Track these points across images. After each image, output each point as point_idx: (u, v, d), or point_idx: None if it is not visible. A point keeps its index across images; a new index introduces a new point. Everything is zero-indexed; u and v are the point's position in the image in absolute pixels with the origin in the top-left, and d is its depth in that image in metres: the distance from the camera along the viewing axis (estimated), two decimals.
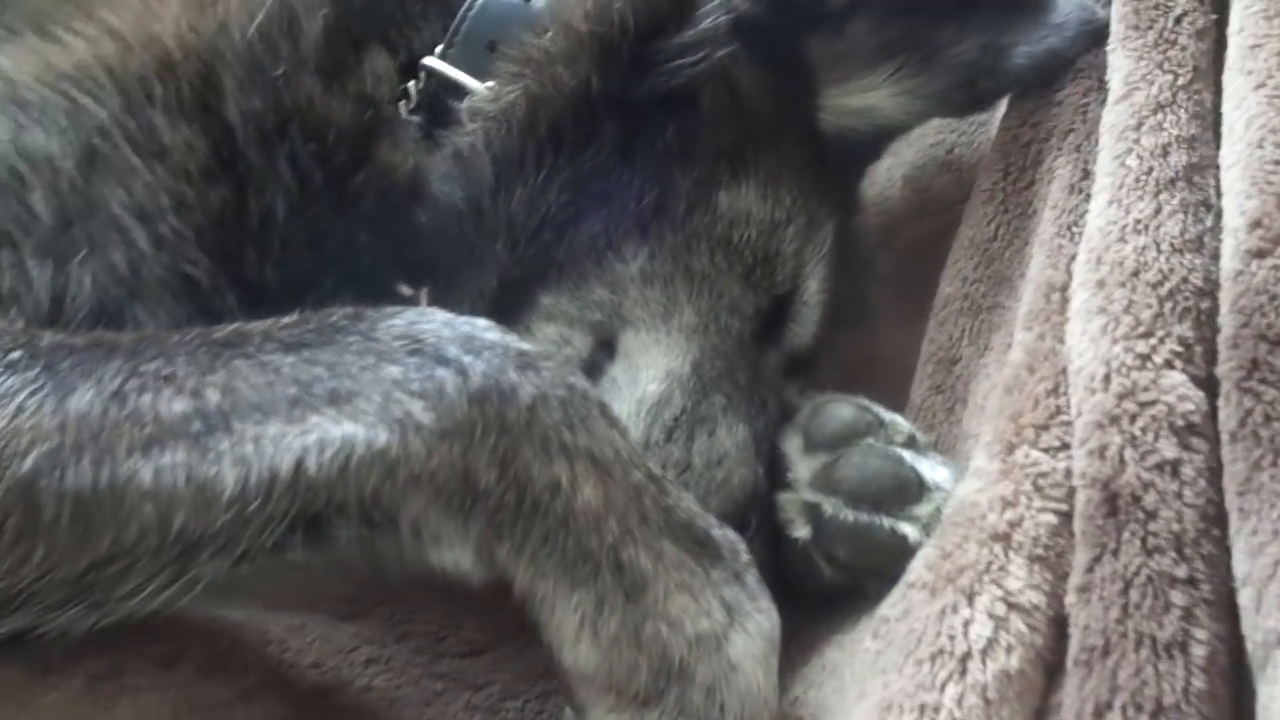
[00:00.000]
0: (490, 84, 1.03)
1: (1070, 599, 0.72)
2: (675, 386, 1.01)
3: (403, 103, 1.04)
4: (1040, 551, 0.75)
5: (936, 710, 0.71)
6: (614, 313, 1.02)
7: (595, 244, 1.02)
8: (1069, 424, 0.80)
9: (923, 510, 0.91)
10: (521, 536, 0.76)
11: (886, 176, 1.39)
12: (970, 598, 0.75)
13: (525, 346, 0.81)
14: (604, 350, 1.04)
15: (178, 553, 0.74)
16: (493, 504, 0.76)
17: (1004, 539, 0.77)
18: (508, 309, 1.00)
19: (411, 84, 1.04)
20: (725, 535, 0.84)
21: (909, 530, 0.90)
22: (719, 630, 0.77)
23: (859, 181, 1.34)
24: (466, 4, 1.07)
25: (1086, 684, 0.68)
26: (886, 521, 0.91)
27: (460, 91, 1.04)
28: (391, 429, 0.74)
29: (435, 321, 0.81)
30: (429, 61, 1.05)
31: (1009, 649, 0.72)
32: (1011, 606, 0.73)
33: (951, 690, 0.71)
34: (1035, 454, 0.80)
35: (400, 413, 0.74)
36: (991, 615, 0.73)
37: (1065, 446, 0.79)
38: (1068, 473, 0.78)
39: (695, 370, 1.02)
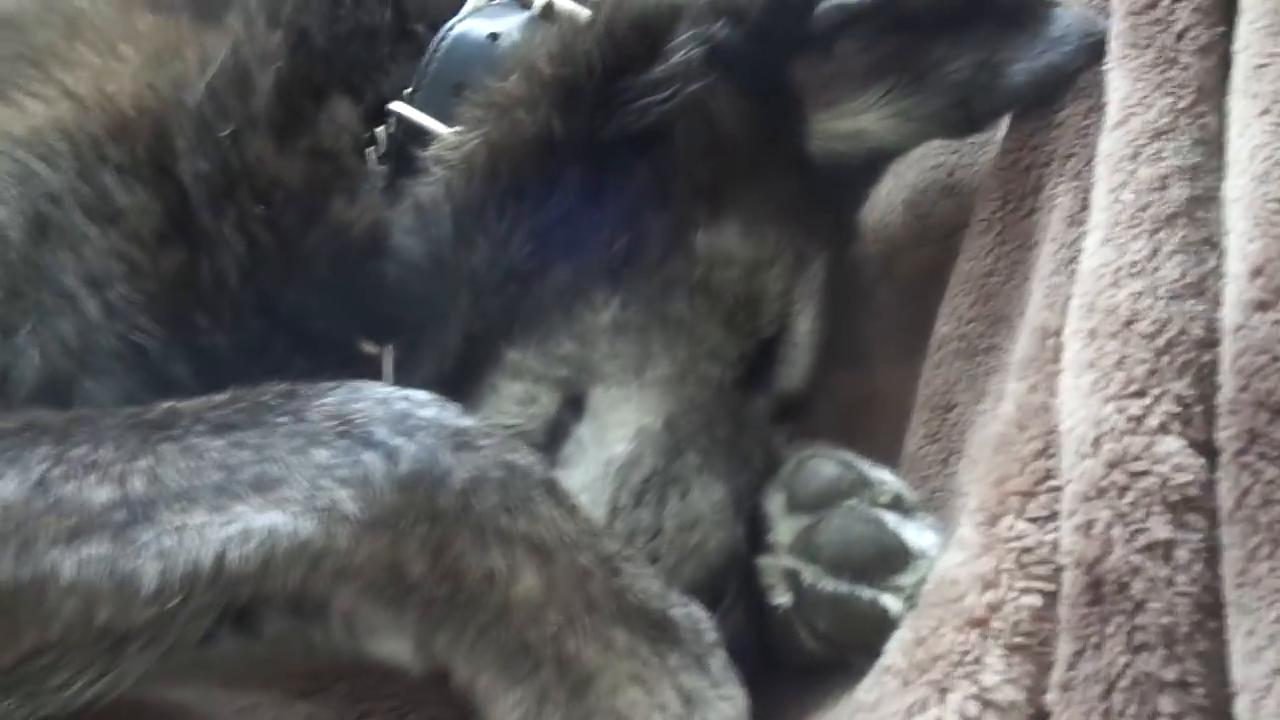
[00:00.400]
0: (457, 129, 1.00)
1: (1051, 697, 0.66)
2: (646, 445, 0.97)
3: (371, 149, 1.02)
4: (1020, 639, 0.69)
5: None
6: (582, 367, 0.98)
7: (563, 295, 0.98)
8: (1059, 490, 0.74)
9: (907, 580, 0.85)
10: (458, 629, 0.74)
11: (887, 201, 1.31)
12: (942, 693, 0.69)
13: (464, 423, 0.78)
14: (571, 409, 1.00)
15: (106, 646, 0.72)
16: (426, 595, 0.73)
17: (981, 624, 0.71)
18: (473, 365, 0.98)
19: (380, 129, 1.02)
20: (688, 614, 0.80)
21: (890, 602, 0.85)
22: None
23: (855, 209, 1.28)
24: (434, 45, 1.04)
25: None
26: (867, 593, 0.86)
27: (427, 138, 1.01)
28: (317, 519, 0.72)
29: (369, 400, 0.78)
30: (396, 106, 1.02)
31: None
32: (986, 705, 0.67)
33: None
34: (1020, 525, 0.74)
35: (326, 501, 0.72)
36: (963, 715, 0.67)
37: (1054, 516, 0.73)
38: (1055, 547, 0.71)
39: (669, 427, 0.97)
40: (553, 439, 0.99)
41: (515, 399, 0.98)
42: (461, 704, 0.78)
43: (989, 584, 0.72)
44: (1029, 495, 0.75)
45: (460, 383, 0.95)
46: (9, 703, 0.72)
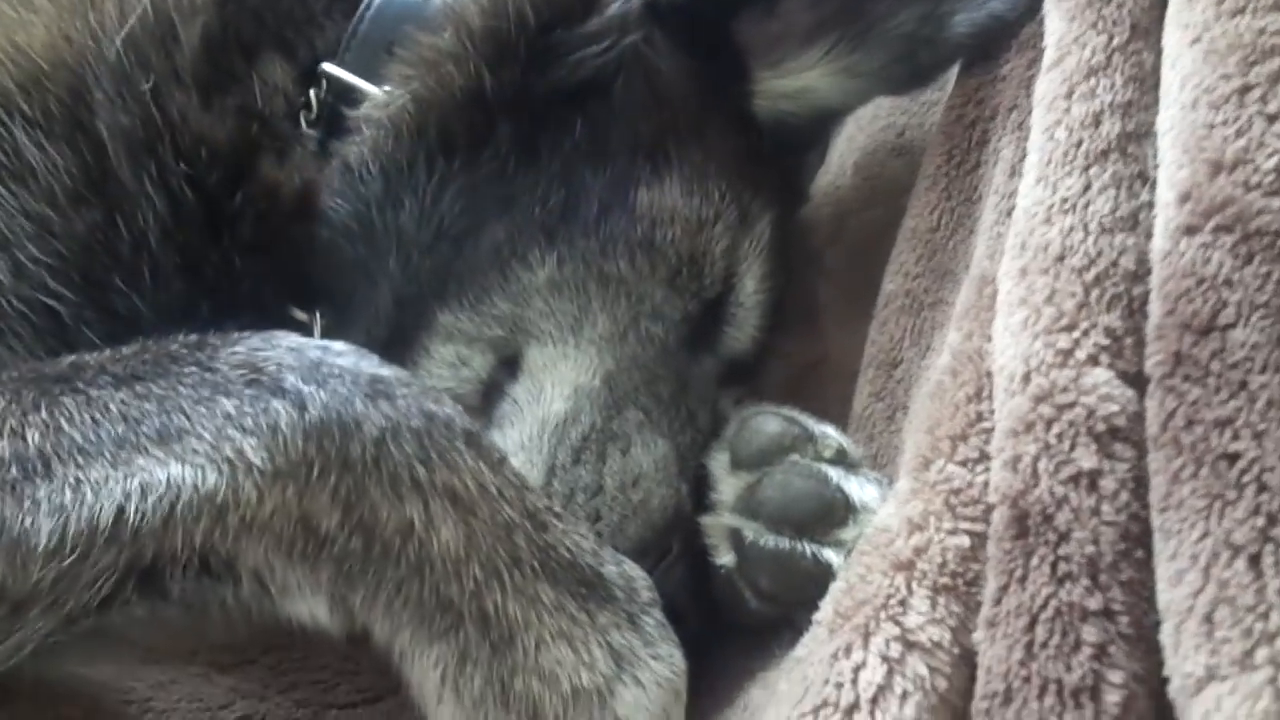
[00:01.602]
0: (386, 88, 0.98)
1: (978, 635, 0.65)
2: (585, 402, 0.95)
3: (303, 113, 1.00)
4: (946, 580, 0.69)
5: None
6: (517, 327, 0.97)
7: (498, 254, 0.96)
8: (989, 431, 0.74)
9: (849, 534, 0.84)
10: (374, 586, 0.71)
11: (839, 164, 1.31)
12: (866, 638, 0.68)
13: (382, 371, 0.76)
14: (506, 369, 0.98)
15: (4, 611, 0.70)
16: (339, 550, 0.71)
17: (908, 567, 0.70)
18: (406, 330, 0.97)
19: (312, 93, 1.00)
20: (623, 572, 0.78)
21: (832, 557, 0.84)
22: (602, 683, 0.72)
23: (803, 171, 1.28)
24: (365, 3, 1.02)
25: None
26: (809, 548, 0.85)
27: (357, 99, 0.99)
28: (220, 470, 0.70)
29: (280, 348, 0.76)
30: (327, 67, 1.01)
31: (903, 696, 0.65)
32: (909, 645, 0.67)
33: None
34: (950, 468, 0.74)
35: (231, 452, 0.70)
36: (885, 657, 0.67)
37: (985, 458, 0.73)
38: (984, 487, 0.71)
39: (607, 384, 0.96)
40: (487, 402, 0.97)
41: (447, 362, 0.97)
42: (395, 674, 0.77)
43: (916, 526, 0.72)
44: (959, 439, 0.75)
45: (393, 349, 0.92)
46: None
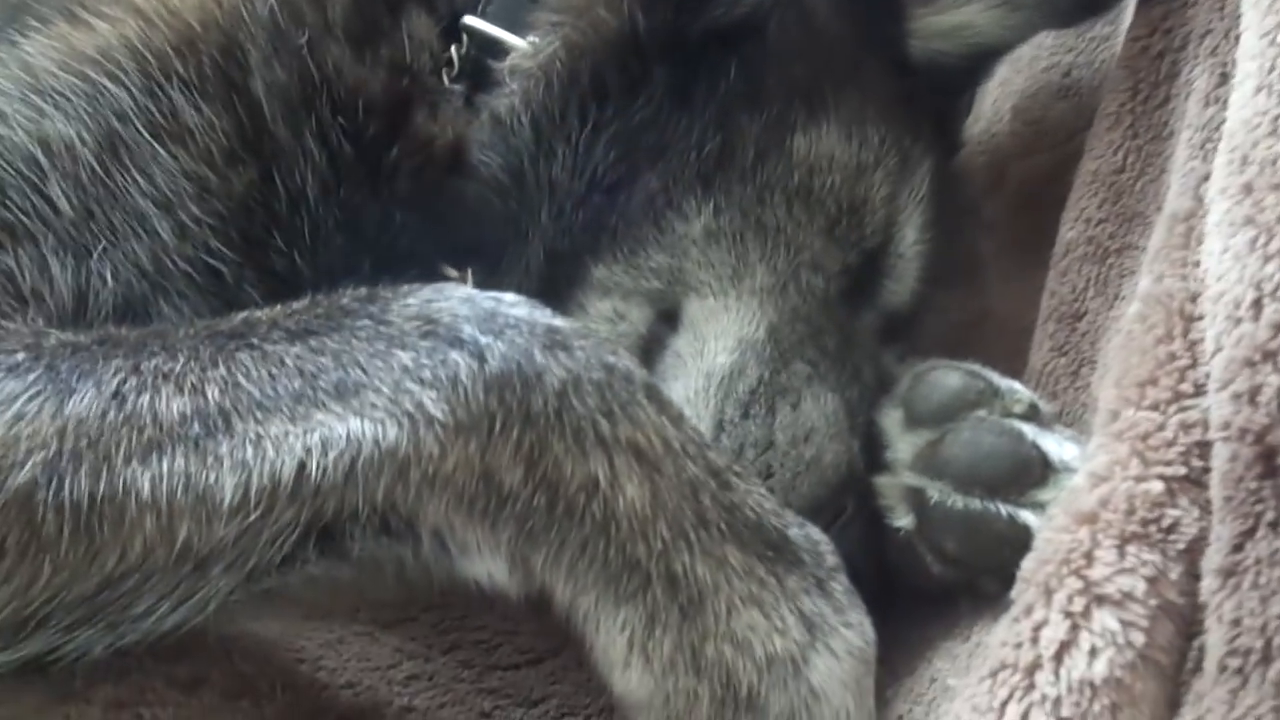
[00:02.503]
0: (531, 38, 0.96)
1: (1209, 584, 0.60)
2: (750, 355, 0.92)
3: (445, 70, 0.98)
4: (1135, 528, 0.65)
5: None
6: (675, 279, 0.94)
7: (652, 204, 0.94)
8: (1186, 369, 0.70)
9: (1047, 495, 0.79)
10: (558, 545, 0.69)
11: (993, 109, 1.26)
12: (1047, 595, 0.65)
13: (557, 322, 0.73)
14: (665, 323, 0.95)
15: (189, 569, 0.69)
16: (521, 508, 0.68)
17: (1090, 520, 0.66)
18: (559, 285, 0.94)
19: (453, 49, 0.98)
20: (807, 535, 0.75)
21: (1030, 519, 0.78)
22: (796, 651, 0.69)
23: (959, 115, 1.21)
24: None
25: (1241, 699, 0.56)
26: (1004, 509, 0.80)
27: (502, 51, 0.97)
28: (401, 424, 0.67)
29: (453, 299, 0.73)
30: (469, 20, 0.98)
31: (1093, 651, 0.61)
32: (1097, 599, 0.63)
33: (1013, 711, 0.61)
34: (1138, 415, 0.70)
35: (411, 405, 0.68)
36: (1068, 613, 0.63)
37: (1178, 398, 0.69)
38: (1182, 427, 0.68)
39: (772, 336, 0.93)
40: (647, 356, 0.94)
41: (604, 316, 0.94)
42: (555, 635, 0.75)
43: (1101, 479, 0.68)
44: (1148, 383, 0.71)
45: (547, 305, 0.90)
46: (91, 632, 0.70)
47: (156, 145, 0.88)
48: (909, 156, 1.03)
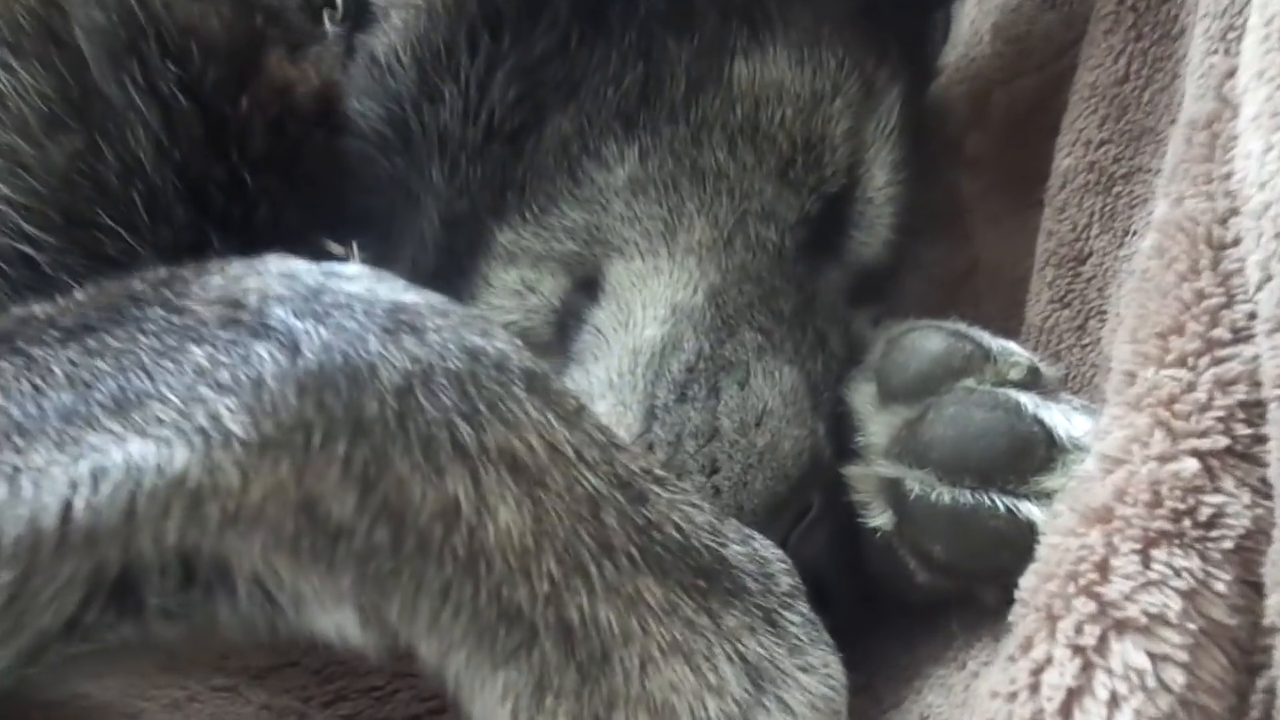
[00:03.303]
0: None
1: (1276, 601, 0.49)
2: (685, 325, 0.81)
3: (327, 11, 0.89)
4: (1163, 524, 0.55)
5: None
6: (593, 238, 0.84)
7: (565, 152, 0.84)
8: (1220, 309, 0.60)
9: (1055, 482, 0.68)
10: (412, 592, 0.55)
11: (971, 31, 1.12)
12: (1050, 623, 0.54)
13: (407, 298, 0.60)
14: (583, 293, 0.85)
15: None
16: (359, 546, 0.55)
17: (1104, 518, 0.56)
18: (460, 257, 0.86)
19: None
20: (753, 553, 0.62)
21: (1034, 512, 0.67)
22: (736, 714, 0.57)
23: (931, 38, 1.11)
24: None
25: None
26: (1001, 501, 0.68)
27: None
28: (191, 444, 0.54)
29: (268, 274, 0.60)
30: None
31: (1113, 700, 0.51)
32: (1116, 626, 0.52)
33: None
34: (1161, 375, 0.60)
35: (204, 418, 0.55)
36: (1075, 647, 0.53)
37: (1211, 348, 0.60)
38: (1218, 385, 0.58)
39: (713, 300, 0.82)
40: (564, 333, 0.84)
41: (510, 289, 0.84)
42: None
43: (1116, 461, 0.58)
44: (1172, 331, 0.61)
45: (447, 282, 0.80)
46: None
47: None
48: (873, 83, 0.93)
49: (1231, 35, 0.69)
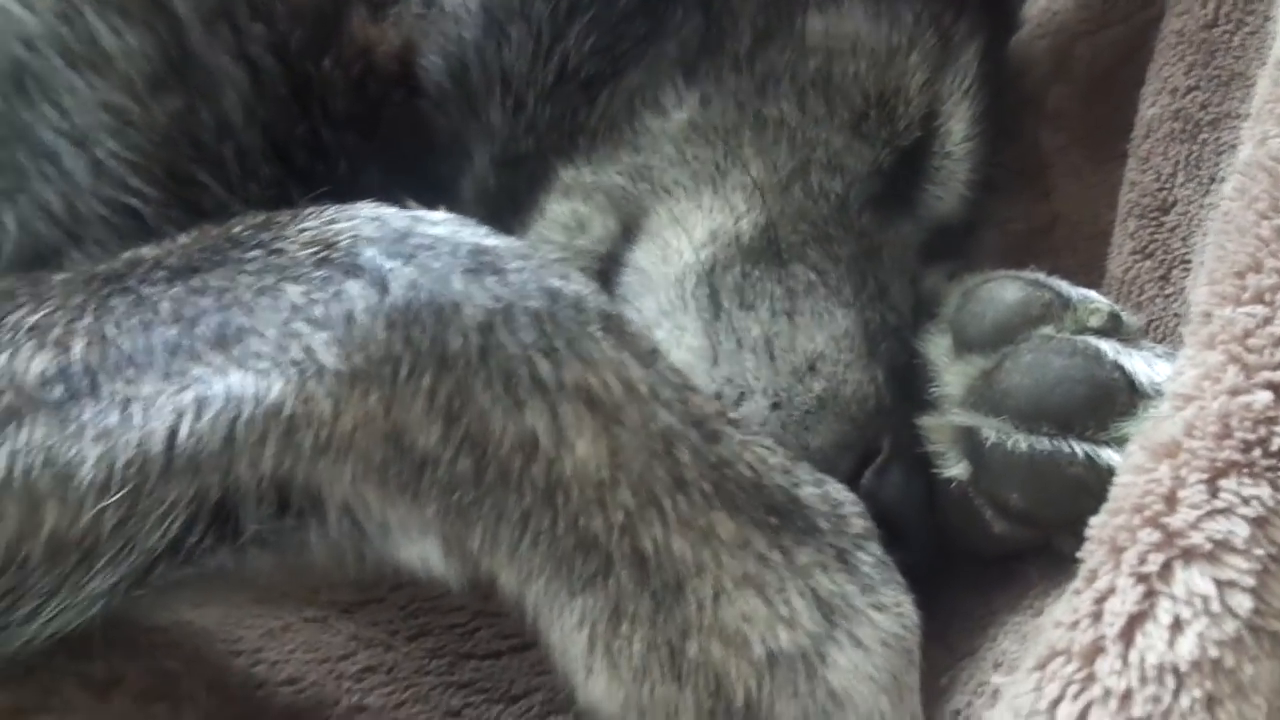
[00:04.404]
0: None
1: None
2: (729, 248, 0.80)
3: None
4: (1232, 454, 0.55)
5: None
6: (641, 175, 0.84)
7: (630, 103, 0.85)
8: None
9: (1136, 427, 0.67)
10: (493, 521, 0.58)
11: None
12: (1115, 554, 0.55)
13: (489, 241, 0.63)
14: (626, 240, 0.85)
15: (67, 562, 0.61)
16: (444, 475, 0.58)
17: (1171, 452, 0.56)
18: (519, 192, 0.86)
19: None
20: (825, 495, 0.64)
21: (1114, 459, 0.67)
22: (809, 645, 0.58)
23: None
24: None
25: None
26: (1080, 448, 0.69)
27: None
28: (287, 376, 0.58)
29: (359, 218, 0.64)
30: None
31: (1176, 625, 0.51)
32: (1181, 554, 0.53)
33: (1065, 712, 0.51)
34: (1236, 313, 0.60)
35: (298, 351, 0.59)
36: (1139, 575, 0.53)
37: None
38: None
39: (761, 232, 0.81)
40: (605, 280, 0.83)
41: (560, 223, 0.84)
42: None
43: (1188, 398, 0.59)
44: (1250, 269, 0.61)
45: (503, 217, 0.82)
46: None
47: (70, 75, 0.81)
48: (952, 35, 0.92)
49: None
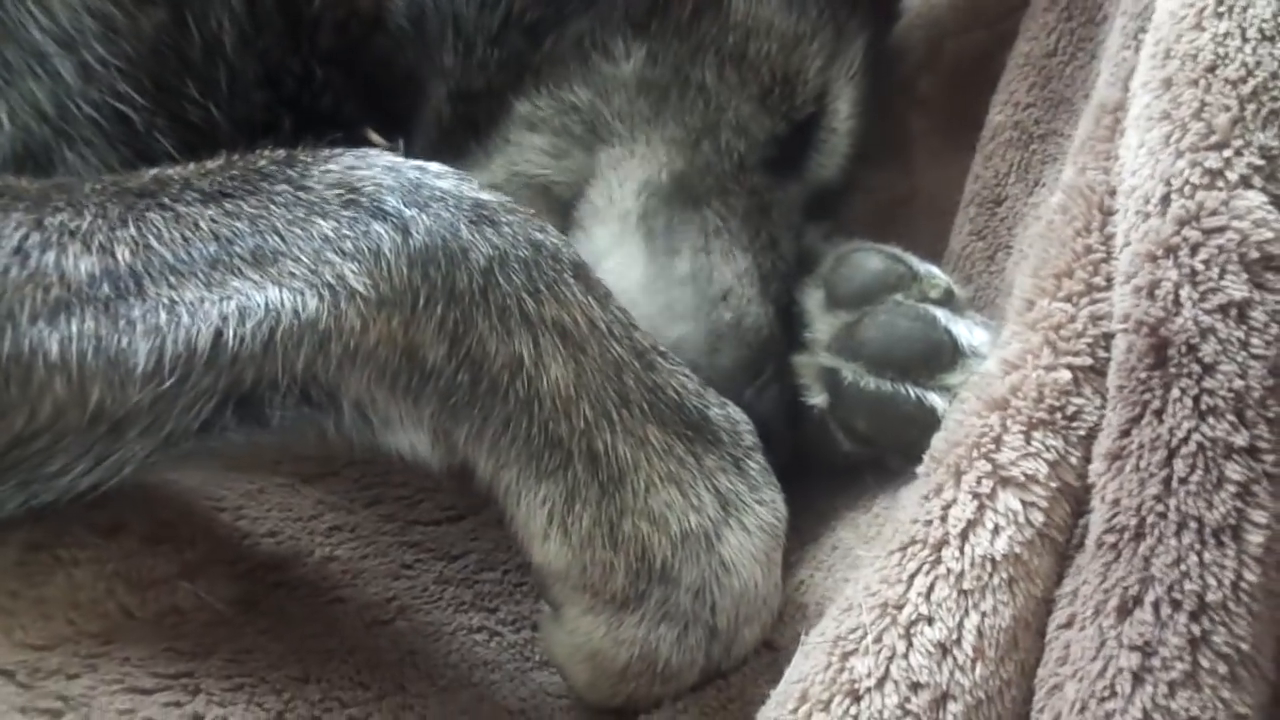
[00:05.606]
0: None
1: (1097, 467, 0.66)
2: (655, 199, 0.93)
3: None
4: (1043, 415, 0.70)
5: (899, 607, 0.67)
6: (597, 122, 0.95)
7: (579, 45, 0.94)
8: (1100, 262, 0.73)
9: (955, 379, 0.85)
10: (480, 421, 0.71)
11: None
12: (957, 476, 0.70)
13: (485, 196, 0.74)
14: (583, 173, 0.96)
15: (103, 431, 0.70)
16: (444, 384, 0.71)
17: (1001, 406, 0.71)
18: (478, 126, 0.95)
19: None
20: (727, 415, 0.79)
21: (937, 401, 0.84)
22: (710, 527, 0.74)
23: None
24: None
25: (1112, 571, 0.62)
26: (913, 391, 0.85)
27: None
28: (322, 296, 0.69)
29: (377, 167, 0.74)
30: None
31: (995, 530, 0.67)
32: (1002, 481, 0.68)
33: (920, 583, 0.67)
34: (1053, 305, 0.73)
35: (332, 277, 0.69)
36: (975, 494, 0.68)
37: (1090, 290, 0.73)
38: (1091, 319, 0.72)
39: (677, 182, 0.94)
40: (574, 200, 0.95)
41: (540, 151, 0.94)
42: (475, 495, 0.79)
43: (1013, 366, 0.72)
44: (1064, 274, 0.74)
45: (458, 151, 0.92)
46: (3, 489, 0.72)
47: None
48: (845, 29, 1.05)
49: (1141, 35, 0.80)
